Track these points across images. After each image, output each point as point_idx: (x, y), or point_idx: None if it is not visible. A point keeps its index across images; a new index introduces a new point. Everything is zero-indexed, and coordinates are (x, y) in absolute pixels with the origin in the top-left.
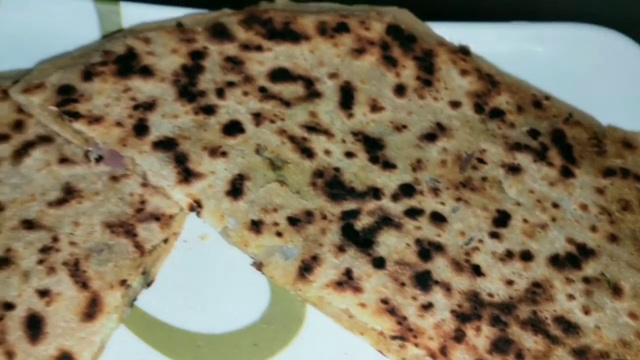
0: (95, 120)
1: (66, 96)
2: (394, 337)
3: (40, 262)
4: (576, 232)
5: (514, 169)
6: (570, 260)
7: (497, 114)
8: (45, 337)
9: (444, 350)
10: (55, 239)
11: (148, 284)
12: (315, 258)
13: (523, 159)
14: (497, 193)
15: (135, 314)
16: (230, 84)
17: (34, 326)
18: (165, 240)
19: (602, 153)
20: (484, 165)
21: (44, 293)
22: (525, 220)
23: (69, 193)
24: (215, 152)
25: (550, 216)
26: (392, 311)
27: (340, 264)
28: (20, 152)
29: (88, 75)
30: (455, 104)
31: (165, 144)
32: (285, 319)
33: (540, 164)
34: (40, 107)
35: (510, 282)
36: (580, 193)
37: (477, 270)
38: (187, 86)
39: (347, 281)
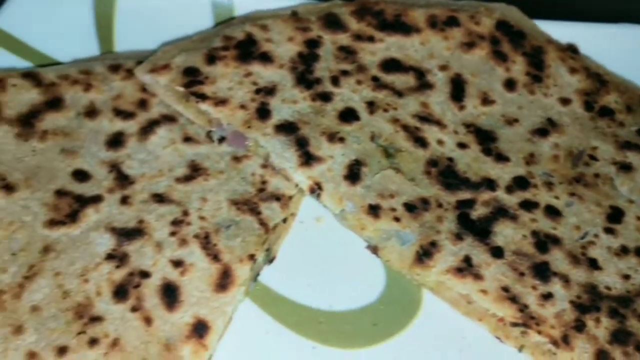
0: (221, 102)
1: (191, 78)
2: (514, 324)
3: (172, 234)
4: None
5: (625, 167)
6: None
7: (606, 112)
8: (181, 305)
9: (566, 339)
10: (185, 213)
11: (270, 261)
12: (433, 244)
13: (633, 157)
14: (609, 190)
15: (259, 289)
16: (344, 73)
17: (170, 294)
18: (284, 220)
19: None
20: (596, 162)
21: (177, 263)
22: (638, 218)
23: (195, 170)
24: (333, 137)
25: None
26: (513, 299)
27: (459, 252)
28: (146, 130)
29: (211, 58)
30: (565, 101)
31: (287, 128)
32: (402, 301)
33: None
34: (166, 88)
35: (626, 277)
36: None
37: (593, 264)
38: (304, 73)
39: (466, 268)
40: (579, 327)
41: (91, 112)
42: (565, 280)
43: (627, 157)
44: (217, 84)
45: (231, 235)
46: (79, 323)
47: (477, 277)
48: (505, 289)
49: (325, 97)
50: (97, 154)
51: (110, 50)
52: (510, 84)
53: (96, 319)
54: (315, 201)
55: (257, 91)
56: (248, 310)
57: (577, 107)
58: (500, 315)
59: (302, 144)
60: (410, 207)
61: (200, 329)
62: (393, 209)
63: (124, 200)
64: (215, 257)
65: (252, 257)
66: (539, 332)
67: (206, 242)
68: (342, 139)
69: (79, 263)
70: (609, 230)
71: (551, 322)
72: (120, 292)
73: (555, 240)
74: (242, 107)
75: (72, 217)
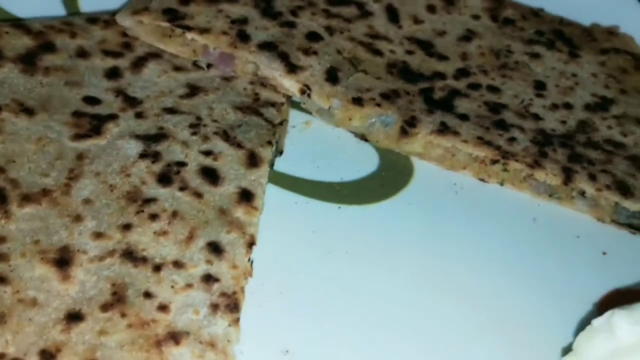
0: (205, 30)
1: (172, 15)
2: (494, 162)
3: (194, 133)
4: (597, 89)
5: (534, 55)
6: (599, 106)
7: (508, 21)
8: (223, 181)
9: (537, 162)
10: (199, 118)
11: (280, 153)
12: (413, 118)
13: (539, 49)
14: (528, 71)
15: (278, 175)
16: (299, 7)
17: (210, 174)
18: (281, 123)
19: (594, 40)
20: (512, 54)
21: (207, 153)
22: (556, 85)
23: (194, 89)
24: (308, 51)
25: (573, 82)
26: (488, 143)
27: (435, 120)
28: (137, 64)
29: (184, 0)
30: (476, 17)
31: (268, 46)
32: (397, 167)
33: (552, 52)
34: (148, 28)
35: (563, 122)
36: (588, 67)
37: (536, 117)
38: (266, 8)
39: (445, 129)
40: (543, 154)
41: (82, 53)
42: (521, 128)
43: (534, 49)
44: (196, 19)
45: (245, 131)
46: (134, 205)
47: (456, 133)
48: (480, 138)
49: (290, 25)
50: (99, 84)
51: (76, 11)
52: (431, 8)
53: (150, 200)
54: (299, 112)
55: (233, 22)
56: (273, 192)
57: (486, 20)
58: (482, 156)
59: (284, 57)
60: (385, 96)
61: (246, 196)
62: (372, 99)
63: (139, 115)
64: (239, 145)
65: (269, 142)
66: (517, 161)
67: (226, 136)
68: (315, 52)
69: (115, 164)
70: (539, 95)
71: (522, 154)
72: (164, 179)
73: (503, 106)
74: (224, 33)
75: (96, 131)
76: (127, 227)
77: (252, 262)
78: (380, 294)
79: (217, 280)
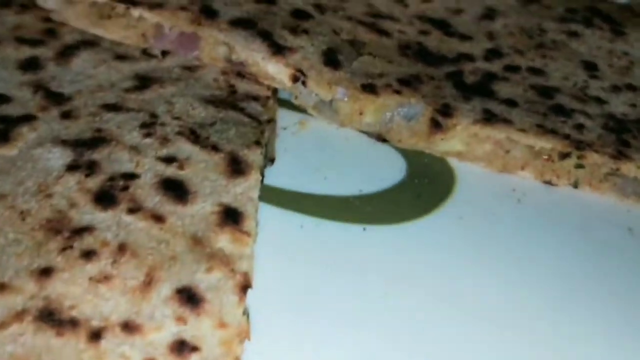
0: (157, 5)
1: None
2: (565, 156)
3: (147, 135)
4: None
5: (573, 34)
6: None
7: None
8: (195, 197)
9: (621, 153)
10: (153, 116)
11: (271, 161)
12: (446, 106)
13: (576, 27)
14: (570, 50)
15: (273, 192)
16: None
17: (175, 188)
18: (269, 121)
19: (637, 16)
20: (547, 33)
21: (169, 160)
22: (610, 65)
23: (145, 81)
24: (296, 30)
25: (628, 61)
26: (552, 131)
27: (475, 107)
28: (64, 54)
29: None
30: None
31: (244, 22)
32: (433, 172)
33: (592, 29)
34: (79, 8)
35: (633, 105)
36: (638, 45)
37: (599, 100)
38: None
39: (492, 117)
40: (624, 142)
41: None
42: (585, 114)
43: (570, 27)
44: None
45: (221, 130)
46: (58, 240)
47: (507, 121)
48: (540, 126)
49: (269, 1)
50: (10, 78)
51: None
52: None
53: (82, 230)
54: (290, 111)
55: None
56: (267, 213)
57: None
58: (547, 150)
59: (266, 36)
60: (404, 82)
61: (231, 216)
62: (388, 85)
63: (66, 115)
64: (214, 148)
65: (257, 143)
66: (596, 152)
67: (195, 137)
68: (306, 31)
69: (30, 181)
70: (593, 76)
71: (599, 144)
72: (105, 198)
73: (554, 89)
74: (183, 8)
75: (1, 137)
76: (45, 272)
77: (248, 316)
78: (439, 342)
79: (195, 349)
